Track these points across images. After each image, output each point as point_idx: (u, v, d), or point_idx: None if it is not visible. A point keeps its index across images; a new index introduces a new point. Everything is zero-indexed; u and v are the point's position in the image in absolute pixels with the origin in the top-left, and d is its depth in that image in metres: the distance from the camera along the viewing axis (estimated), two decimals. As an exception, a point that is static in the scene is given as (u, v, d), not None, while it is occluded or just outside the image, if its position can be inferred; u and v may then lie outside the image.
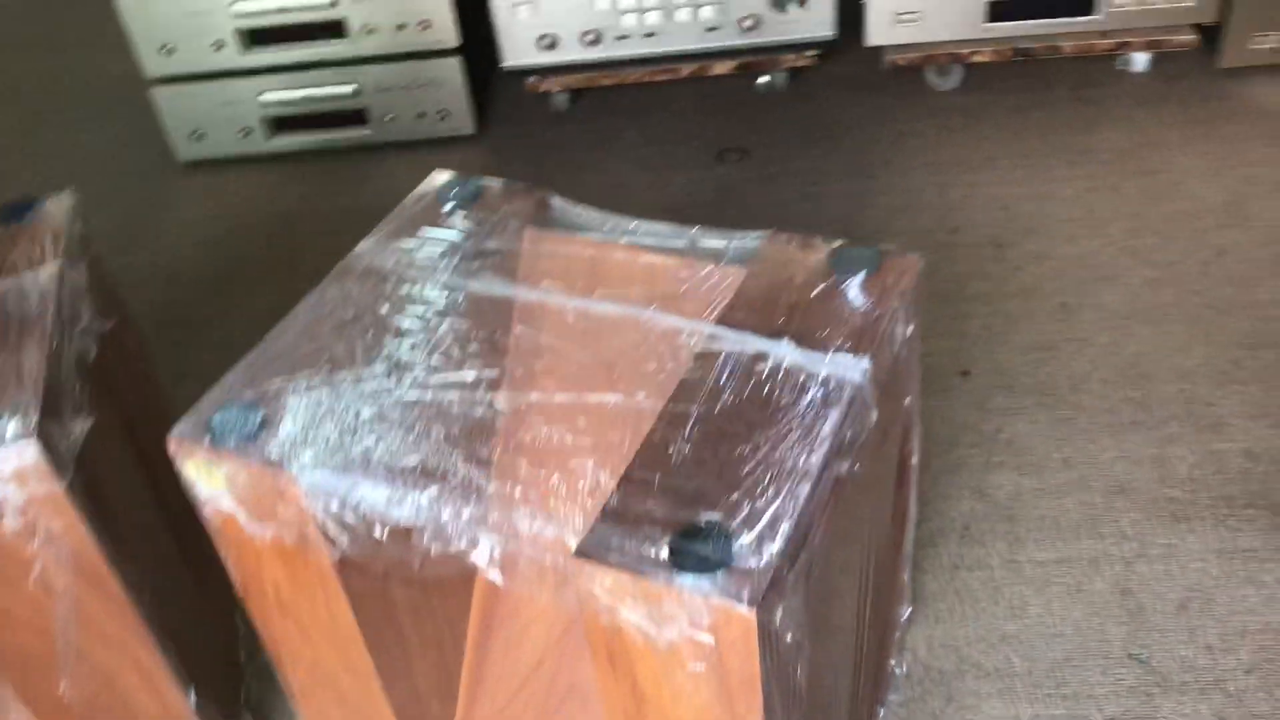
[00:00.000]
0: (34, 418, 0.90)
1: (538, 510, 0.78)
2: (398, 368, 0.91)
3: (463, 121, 2.09)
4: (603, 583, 0.74)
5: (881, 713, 1.17)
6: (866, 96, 2.08)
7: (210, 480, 0.87)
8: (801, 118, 2.06)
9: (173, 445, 0.87)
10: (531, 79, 2.08)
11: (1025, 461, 1.41)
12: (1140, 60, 2.01)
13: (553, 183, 1.08)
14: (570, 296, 0.95)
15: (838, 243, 0.95)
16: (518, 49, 2.00)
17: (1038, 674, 1.19)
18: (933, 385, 1.50)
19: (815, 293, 0.91)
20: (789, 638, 0.76)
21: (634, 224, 1.03)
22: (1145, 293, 1.62)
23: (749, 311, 0.90)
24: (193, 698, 1.09)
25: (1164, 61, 2.02)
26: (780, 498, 0.76)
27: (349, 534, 0.84)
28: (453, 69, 2.03)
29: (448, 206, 1.08)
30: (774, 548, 0.73)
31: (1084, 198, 1.80)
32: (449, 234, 1.04)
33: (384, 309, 0.96)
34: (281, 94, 2.05)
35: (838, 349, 0.85)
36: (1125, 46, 1.98)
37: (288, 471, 0.83)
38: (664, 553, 0.73)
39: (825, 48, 2.03)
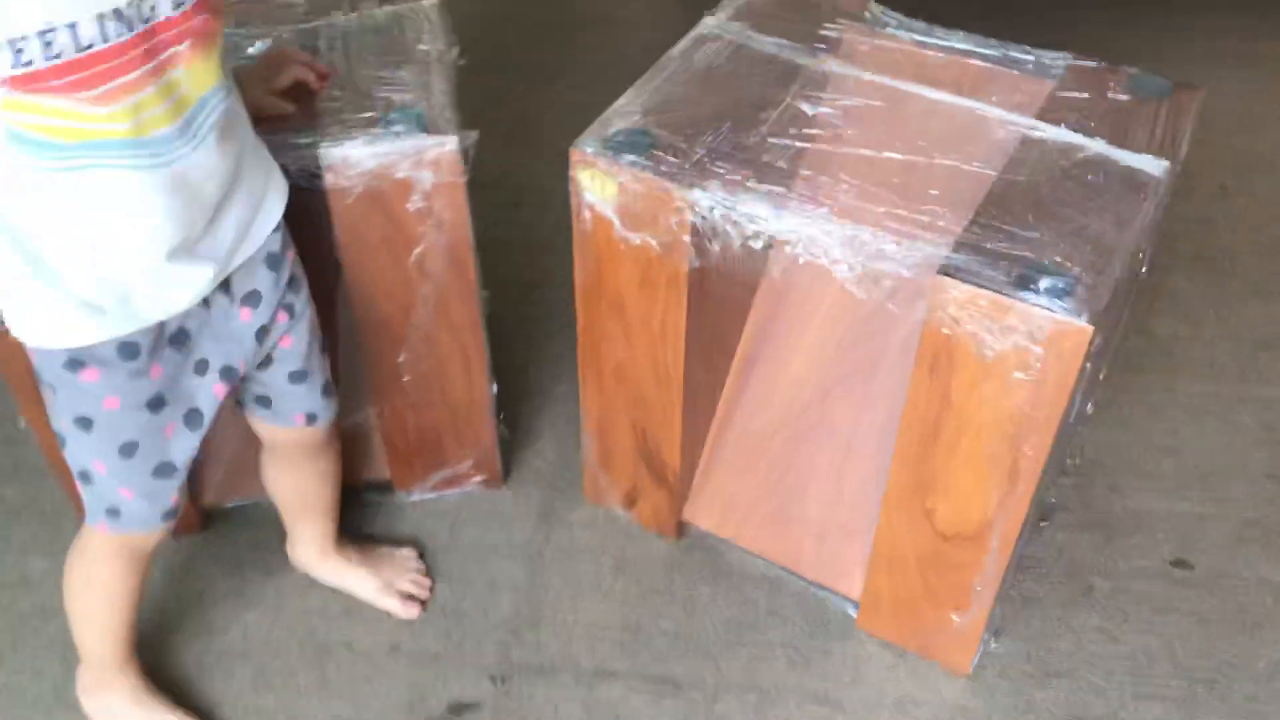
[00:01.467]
0: (453, 118, 1.08)
1: (899, 236, 0.96)
2: (769, 121, 1.08)
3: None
4: (958, 297, 0.92)
5: (1052, 490, 1.37)
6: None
7: (602, 189, 1.05)
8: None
9: (575, 155, 1.05)
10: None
11: (1182, 311, 1.59)
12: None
13: None
14: (902, 81, 1.12)
15: (1133, 70, 1.12)
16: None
17: (1187, 479, 1.39)
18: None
19: (1119, 106, 1.08)
20: (1089, 367, 0.95)
21: (942, 31, 1.19)
22: (1297, 187, 1.79)
23: (1063, 113, 1.07)
24: (493, 390, 1.29)
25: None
26: (1103, 256, 0.94)
27: (720, 243, 1.02)
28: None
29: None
30: (1100, 289, 0.91)
31: (1247, 99, 1.95)
32: (782, 20, 1.20)
33: (743, 72, 1.13)
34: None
35: (1143, 149, 1.03)
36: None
37: (681, 186, 1.00)
38: (1014, 277, 0.91)
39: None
